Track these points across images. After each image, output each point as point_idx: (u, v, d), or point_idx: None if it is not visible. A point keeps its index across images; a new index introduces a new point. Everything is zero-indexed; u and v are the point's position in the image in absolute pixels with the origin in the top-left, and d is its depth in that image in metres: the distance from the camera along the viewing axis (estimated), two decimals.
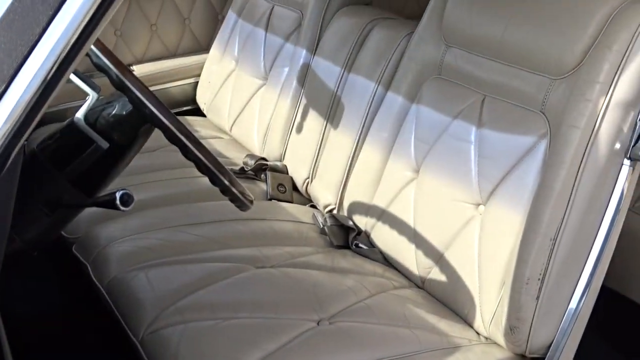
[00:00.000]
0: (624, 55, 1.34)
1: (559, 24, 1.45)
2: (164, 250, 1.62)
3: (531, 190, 1.44)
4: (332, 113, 2.03)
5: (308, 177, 2.08)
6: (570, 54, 1.42)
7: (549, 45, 1.46)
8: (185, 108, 2.76)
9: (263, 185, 2.11)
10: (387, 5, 2.91)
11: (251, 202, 1.20)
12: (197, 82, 2.72)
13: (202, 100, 2.66)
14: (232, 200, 1.17)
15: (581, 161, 1.37)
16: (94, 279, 1.60)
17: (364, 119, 1.90)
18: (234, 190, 1.14)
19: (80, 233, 1.73)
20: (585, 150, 1.36)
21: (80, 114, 1.10)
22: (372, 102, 1.89)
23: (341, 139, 1.97)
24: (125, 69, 1.11)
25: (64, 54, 0.72)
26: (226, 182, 1.12)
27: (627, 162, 1.40)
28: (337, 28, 2.13)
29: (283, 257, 1.68)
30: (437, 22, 1.76)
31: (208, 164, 1.09)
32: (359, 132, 1.91)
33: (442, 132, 1.66)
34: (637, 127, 1.38)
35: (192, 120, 2.58)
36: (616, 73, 1.35)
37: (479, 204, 1.55)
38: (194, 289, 1.48)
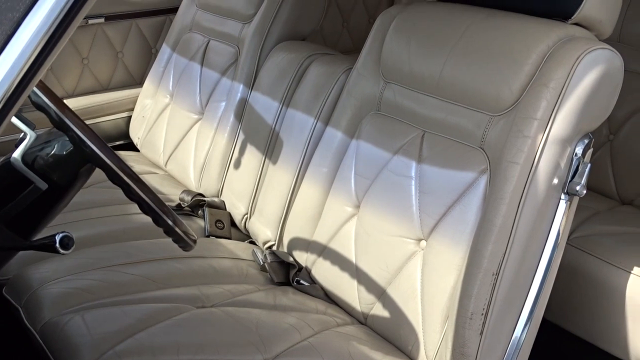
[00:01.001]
0: (560, 92, 1.38)
1: (497, 62, 1.48)
2: (101, 291, 1.57)
3: (472, 225, 1.46)
4: (270, 148, 2.02)
5: (247, 213, 2.06)
6: (508, 91, 1.45)
7: (487, 83, 1.49)
8: (117, 143, 2.71)
9: (200, 222, 2.08)
10: (321, 40, 2.94)
11: (194, 242, 1.17)
12: (130, 117, 2.67)
13: (135, 134, 2.61)
14: (175, 241, 1.14)
15: (521, 196, 1.39)
16: (26, 323, 1.53)
17: (303, 154, 1.90)
18: (177, 230, 1.11)
19: (10, 274, 1.66)
20: (525, 185, 1.39)
21: (17, 154, 1.06)
22: (311, 137, 1.89)
23: (280, 174, 1.96)
24: (65, 107, 1.07)
25: (7, 95, 0.69)
26: (170, 223, 1.10)
27: (564, 196, 1.43)
28: (274, 63, 2.13)
29: (223, 296, 1.65)
30: (375, 58, 1.78)
31: (152, 205, 1.06)
32: (298, 167, 1.90)
33: (383, 168, 1.67)
34: (573, 163, 1.41)
35: (125, 155, 2.53)
36: (553, 110, 1.38)
37: (420, 239, 1.56)
38: (133, 332, 1.44)
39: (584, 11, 1.45)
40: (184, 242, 1.14)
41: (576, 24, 1.47)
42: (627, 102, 2.17)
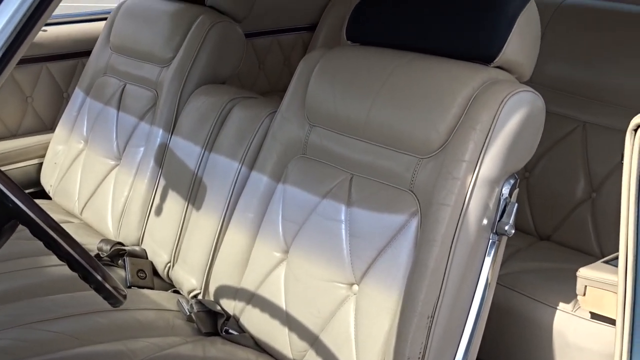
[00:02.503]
0: (487, 134, 1.40)
1: (423, 105, 1.50)
2: (18, 351, 1.48)
3: (405, 268, 1.45)
4: (193, 194, 1.98)
5: (170, 261, 2.00)
6: (435, 133, 1.47)
7: (414, 125, 1.50)
8: (28, 191, 2.59)
9: (121, 272, 2.00)
10: (238, 82, 2.92)
11: (125, 297, 1.12)
12: (41, 163, 2.57)
13: (47, 182, 2.51)
14: (105, 297, 1.08)
15: (453, 238, 1.39)
16: None
17: (228, 199, 1.86)
18: (108, 286, 1.06)
19: None
20: (456, 227, 1.39)
21: None
22: (236, 182, 1.86)
23: (204, 221, 1.91)
24: None
25: None
26: (100, 279, 1.04)
27: (493, 237, 1.44)
28: (195, 107, 2.09)
29: (150, 350, 1.58)
30: (299, 102, 1.77)
31: (81, 261, 1.01)
32: (224, 212, 1.86)
33: (311, 212, 1.65)
34: (501, 203, 1.43)
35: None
36: (481, 152, 1.40)
37: (352, 284, 1.54)
38: None
39: (505, 55, 1.48)
40: (114, 299, 1.09)
41: (498, 67, 1.51)
42: (541, 141, 2.23)
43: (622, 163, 1.42)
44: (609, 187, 2.18)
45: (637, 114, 1.41)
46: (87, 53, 2.59)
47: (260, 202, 1.78)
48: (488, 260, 1.44)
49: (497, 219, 1.44)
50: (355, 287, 1.54)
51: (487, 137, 1.40)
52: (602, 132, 2.23)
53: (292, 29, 3.14)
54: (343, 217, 1.59)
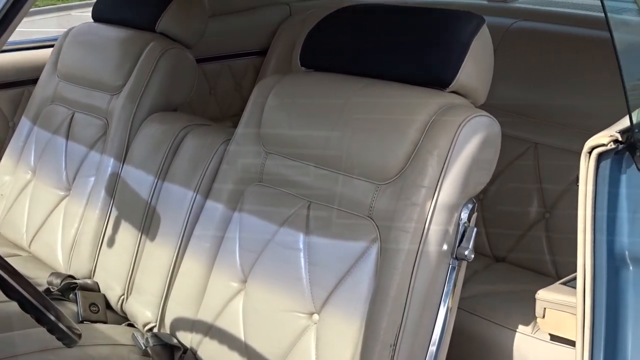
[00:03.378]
0: (445, 160, 1.40)
1: (380, 131, 1.49)
2: None
3: (366, 296, 1.44)
4: (147, 224, 1.93)
5: (123, 294, 1.95)
6: (393, 159, 1.46)
7: (372, 152, 1.49)
8: None
9: (73, 307, 1.94)
10: (189, 108, 2.89)
11: (79, 336, 1.08)
12: None
13: None
14: (59, 338, 1.04)
15: (413, 265, 1.38)
16: None
17: (183, 229, 1.82)
18: (62, 327, 1.02)
19: None
20: (417, 253, 1.39)
21: None
22: (190, 210, 1.82)
23: (159, 251, 1.87)
24: None
25: None
26: (53, 319, 1.00)
27: (453, 262, 1.44)
28: (147, 135, 2.05)
29: None
30: (254, 129, 1.75)
31: (34, 302, 0.96)
32: (179, 242, 1.82)
33: (269, 241, 1.63)
34: (460, 228, 1.43)
35: None
36: (439, 177, 1.39)
37: (312, 313, 1.52)
38: None
39: (460, 80, 1.49)
40: (68, 339, 1.05)
41: (454, 92, 1.51)
42: None
43: (577, 184, 1.43)
44: (562, 207, 2.20)
45: (586, 134, 1.42)
46: (34, 81, 2.53)
47: (216, 231, 1.75)
48: (449, 286, 1.44)
49: (457, 244, 1.43)
50: (316, 316, 1.51)
51: (445, 163, 1.40)
52: (554, 152, 2.26)
53: (242, 54, 3.13)
54: (302, 246, 1.56)
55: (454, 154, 1.39)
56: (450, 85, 1.49)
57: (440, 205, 1.39)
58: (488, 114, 1.44)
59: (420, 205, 1.39)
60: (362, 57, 1.62)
